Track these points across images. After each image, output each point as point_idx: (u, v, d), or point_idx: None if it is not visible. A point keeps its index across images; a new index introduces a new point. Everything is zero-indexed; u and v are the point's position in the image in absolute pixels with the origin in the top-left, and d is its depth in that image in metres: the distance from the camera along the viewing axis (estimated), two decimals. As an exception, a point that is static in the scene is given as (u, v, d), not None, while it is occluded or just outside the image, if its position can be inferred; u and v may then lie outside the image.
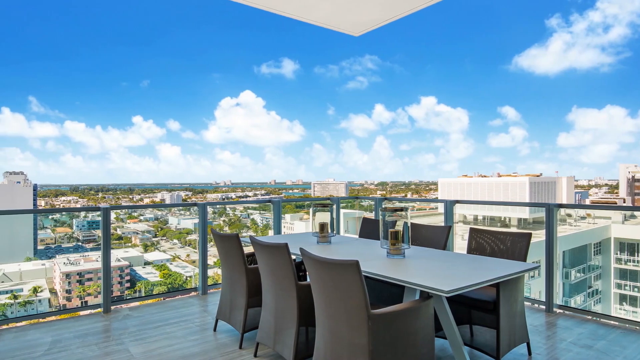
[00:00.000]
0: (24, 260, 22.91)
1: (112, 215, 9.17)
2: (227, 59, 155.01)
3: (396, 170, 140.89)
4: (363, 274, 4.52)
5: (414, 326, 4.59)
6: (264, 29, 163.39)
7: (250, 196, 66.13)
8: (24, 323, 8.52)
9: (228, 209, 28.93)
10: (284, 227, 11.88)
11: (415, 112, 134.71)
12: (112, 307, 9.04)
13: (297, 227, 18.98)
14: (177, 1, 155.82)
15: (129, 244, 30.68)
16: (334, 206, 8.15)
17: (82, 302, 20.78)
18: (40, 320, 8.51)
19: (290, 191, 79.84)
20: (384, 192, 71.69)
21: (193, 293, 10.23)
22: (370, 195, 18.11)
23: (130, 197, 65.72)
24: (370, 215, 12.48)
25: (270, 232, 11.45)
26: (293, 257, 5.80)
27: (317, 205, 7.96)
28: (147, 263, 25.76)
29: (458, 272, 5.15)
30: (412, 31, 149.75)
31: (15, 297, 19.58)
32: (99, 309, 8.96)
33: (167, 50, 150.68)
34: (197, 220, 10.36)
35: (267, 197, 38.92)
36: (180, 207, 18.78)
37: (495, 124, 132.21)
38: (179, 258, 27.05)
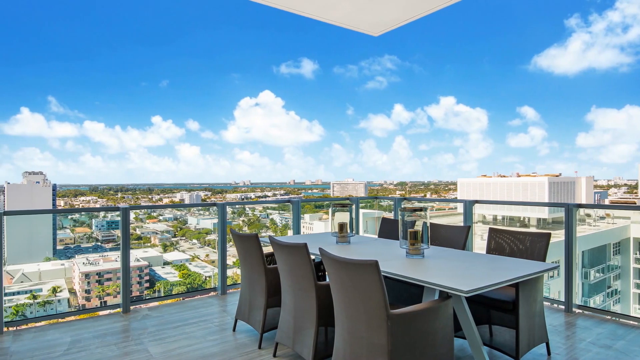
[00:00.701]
0: (43, 260, 23.04)
1: (131, 215, 9.23)
2: (246, 59, 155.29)
3: (415, 170, 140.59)
4: (382, 274, 4.54)
5: (433, 326, 4.60)
6: (283, 29, 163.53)
7: (269, 196, 66.22)
8: (43, 323, 8.58)
9: (247, 209, 28.97)
10: (303, 227, 11.89)
11: (435, 112, 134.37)
12: (132, 307, 9.10)
13: (317, 227, 19.00)
14: (197, 1, 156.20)
15: (148, 244, 30.79)
16: (353, 206, 8.17)
17: (101, 302, 20.88)
18: (60, 320, 8.57)
19: (310, 191, 79.83)
20: (403, 192, 71.57)
21: (212, 293, 10.27)
22: (390, 195, 18.10)
23: (150, 197, 65.97)
24: (390, 215, 12.48)
25: (290, 232, 11.47)
26: (312, 257, 5.83)
27: (337, 205, 7.97)
28: (166, 263, 25.84)
29: (477, 272, 5.16)
30: (431, 31, 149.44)
31: (35, 297, 19.70)
32: (118, 309, 9.02)
33: (186, 50, 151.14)
34: (216, 220, 10.40)
35: (286, 197, 38.92)
36: (200, 207, 18.86)
37: (515, 124, 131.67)
38: (198, 258, 27.11)
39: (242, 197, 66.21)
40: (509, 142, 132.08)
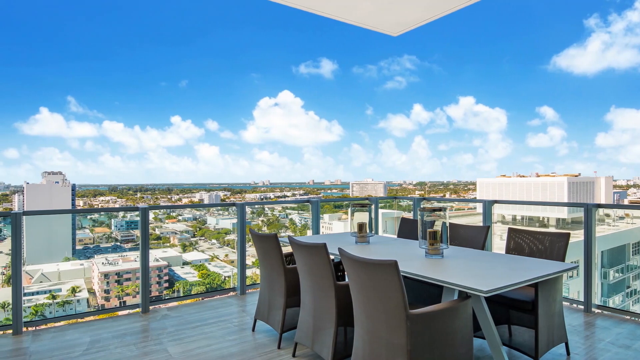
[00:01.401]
0: (63, 260, 23.18)
1: (151, 215, 9.28)
2: (265, 59, 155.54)
3: (434, 170, 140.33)
4: (401, 274, 4.55)
5: (453, 326, 4.61)
6: (302, 29, 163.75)
7: (288, 196, 66.27)
8: (62, 323, 8.65)
9: (266, 209, 29.04)
10: (323, 227, 11.92)
11: (454, 112, 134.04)
12: (151, 307, 9.15)
13: (336, 227, 19.02)
14: (216, 1, 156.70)
15: (168, 244, 30.91)
16: (373, 206, 8.18)
17: (120, 302, 20.99)
18: (79, 320, 8.64)
19: (329, 191, 79.85)
20: (423, 192, 71.45)
21: (231, 293, 10.32)
22: (409, 195, 18.11)
23: (169, 197, 66.20)
24: (409, 215, 12.49)
25: (309, 232, 11.50)
26: (331, 257, 5.85)
27: (356, 205, 7.99)
28: (185, 263, 25.93)
29: (496, 272, 5.16)
30: (451, 31, 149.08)
31: (54, 297, 19.83)
32: (138, 309, 9.07)
33: (206, 50, 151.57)
34: (235, 220, 10.44)
35: (305, 197, 38.94)
36: (219, 207, 18.93)
37: (534, 124, 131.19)
38: (218, 258, 27.19)
39: (262, 197, 66.32)
40: (528, 142, 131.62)
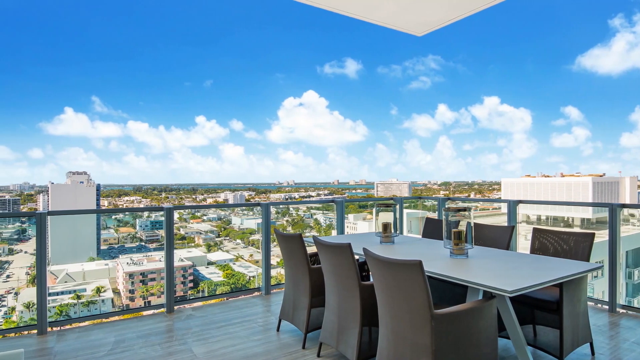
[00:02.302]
0: (87, 260, 23.36)
1: (175, 215, 9.35)
2: (290, 59, 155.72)
3: (459, 170, 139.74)
4: (426, 274, 4.57)
5: (477, 326, 4.63)
6: (327, 29, 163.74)
7: (313, 196, 66.32)
8: (87, 323, 8.73)
9: (291, 209, 29.10)
10: (347, 227, 11.95)
11: (478, 112, 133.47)
12: (175, 307, 9.22)
13: (360, 227, 19.03)
14: (241, 1, 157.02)
15: (192, 244, 31.05)
16: (397, 206, 8.20)
17: (145, 302, 21.11)
18: (104, 320, 8.72)
19: (354, 191, 79.81)
20: (447, 192, 71.25)
21: (256, 293, 10.37)
22: (434, 195, 18.08)
23: (194, 197, 66.42)
24: (434, 215, 12.48)
25: (334, 232, 11.53)
26: (356, 257, 5.87)
27: (380, 205, 8.01)
28: (210, 263, 26.03)
29: (521, 272, 5.17)
30: (475, 31, 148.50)
31: (79, 297, 19.99)
32: (162, 309, 9.14)
33: (230, 50, 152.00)
34: (260, 220, 10.48)
35: (330, 197, 38.97)
36: (244, 207, 18.98)
37: (558, 123, 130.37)
38: (242, 258, 27.28)
39: (286, 197, 66.39)
40: (553, 142, 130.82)
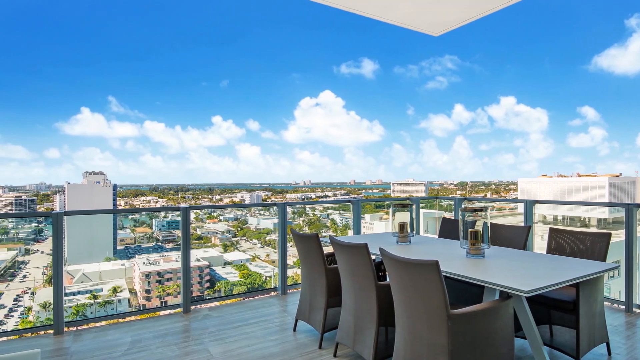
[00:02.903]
0: (104, 260, 23.46)
1: (192, 215, 9.39)
2: (306, 59, 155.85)
3: (476, 170, 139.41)
4: (443, 274, 4.59)
5: (494, 326, 4.64)
6: (343, 28, 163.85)
7: (329, 196, 66.31)
8: (103, 323, 8.78)
9: (307, 209, 29.11)
10: (364, 227, 11.96)
11: (495, 112, 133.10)
12: (192, 307, 9.26)
13: (377, 227, 19.02)
14: (258, 1, 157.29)
15: (209, 244, 31.11)
16: (414, 206, 8.22)
17: (161, 302, 21.18)
18: (120, 320, 8.77)
19: (370, 191, 79.76)
20: (464, 192, 71.09)
21: (273, 293, 10.40)
22: (450, 195, 18.04)
23: (210, 197, 66.57)
24: (450, 215, 12.49)
25: (350, 232, 11.54)
26: (373, 257, 5.89)
27: (397, 205, 8.03)
28: (226, 263, 26.08)
29: (538, 272, 5.18)
30: (492, 31, 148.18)
31: (95, 297, 20.07)
32: (179, 309, 9.19)
33: (247, 50, 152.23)
34: (276, 220, 10.51)
35: (346, 197, 38.97)
36: (260, 207, 19.00)
37: (575, 124, 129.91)
38: (259, 258, 27.32)
39: (303, 197, 66.41)
40: (570, 142, 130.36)
